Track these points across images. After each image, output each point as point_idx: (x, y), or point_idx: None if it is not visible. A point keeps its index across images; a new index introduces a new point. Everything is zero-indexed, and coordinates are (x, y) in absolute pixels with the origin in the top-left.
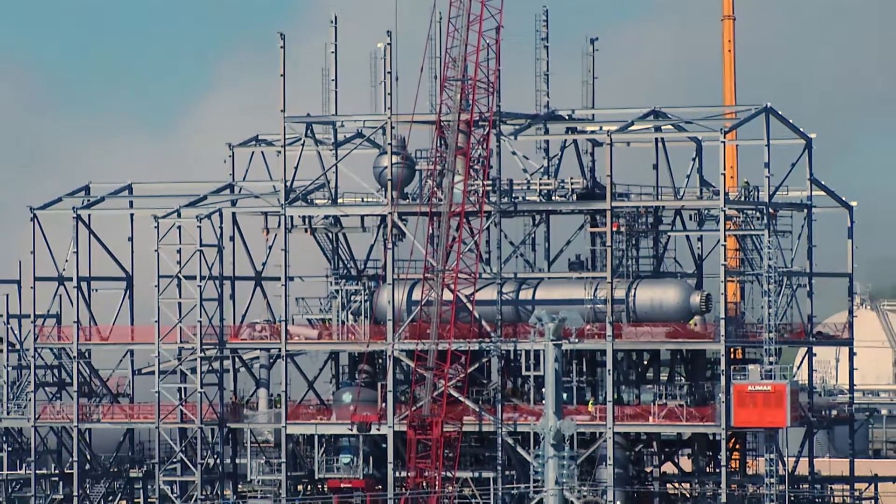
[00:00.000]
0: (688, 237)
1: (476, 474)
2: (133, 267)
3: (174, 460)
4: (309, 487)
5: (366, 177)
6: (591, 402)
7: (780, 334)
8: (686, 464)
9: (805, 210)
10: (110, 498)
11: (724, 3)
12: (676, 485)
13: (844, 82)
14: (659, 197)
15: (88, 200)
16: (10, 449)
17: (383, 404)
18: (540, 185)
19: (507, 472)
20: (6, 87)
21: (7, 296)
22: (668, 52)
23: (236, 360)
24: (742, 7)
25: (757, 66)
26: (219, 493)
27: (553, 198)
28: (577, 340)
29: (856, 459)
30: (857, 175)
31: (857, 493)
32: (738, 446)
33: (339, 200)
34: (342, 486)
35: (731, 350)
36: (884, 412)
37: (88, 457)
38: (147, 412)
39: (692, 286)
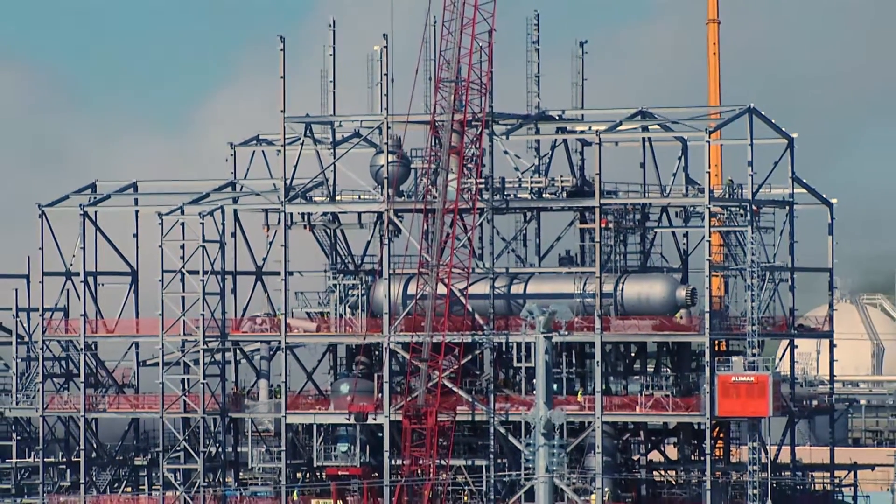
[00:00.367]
0: (674, 233)
1: (469, 462)
2: (138, 262)
3: (178, 449)
4: (308, 475)
5: (363, 175)
6: (580, 392)
7: (762, 327)
8: (672, 452)
9: (787, 207)
10: (116, 485)
11: (709, 8)
12: (662, 472)
13: (827, 83)
14: (646, 194)
15: (95, 198)
16: (19, 438)
17: (379, 395)
18: (531, 183)
19: (499, 461)
20: (16, 86)
21: (16, 290)
22: (654, 54)
23: (238, 352)
24: (727, 11)
25: (741, 68)
26: (221, 480)
27: (543, 195)
28: (566, 333)
29: (836, 448)
30: (840, 173)
31: (837, 481)
32: (722, 435)
33: (337, 198)
34: (340, 473)
35: (716, 342)
36: (863, 402)
37: (95, 445)
38: (151, 402)
39: (678, 281)
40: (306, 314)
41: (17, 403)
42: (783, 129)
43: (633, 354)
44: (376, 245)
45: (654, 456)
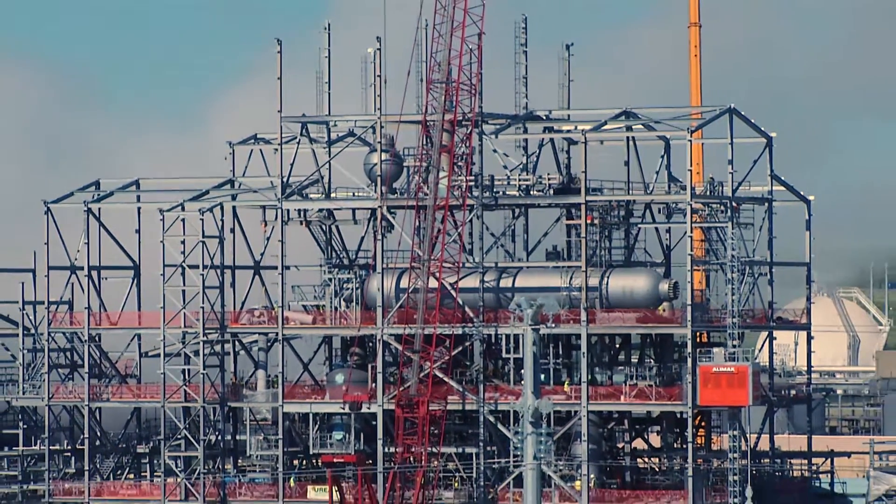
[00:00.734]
0: (657, 229)
1: (460, 450)
2: (140, 257)
3: (178, 437)
4: (304, 462)
5: (357, 173)
6: (566, 382)
7: (742, 319)
8: (655, 440)
9: (766, 204)
10: (119, 472)
11: (690, 12)
12: (646, 459)
13: (806, 84)
14: (630, 192)
15: (98, 195)
16: (25, 426)
17: (373, 385)
18: (519, 180)
19: (488, 448)
20: (35, 84)
21: (23, 284)
22: (638, 57)
23: (236, 343)
24: (709, 15)
25: (722, 69)
26: (220, 467)
27: (531, 192)
28: (553, 325)
29: (813, 436)
30: (818, 171)
31: (814, 468)
32: (703, 424)
33: (332, 195)
34: (335, 460)
35: (697, 334)
36: (839, 392)
37: (98, 434)
38: (153, 392)
39: (661, 275)
40: (302, 307)
41: (23, 393)
42: (762, 129)
43: (617, 346)
44: (370, 240)
45: (639, 444)
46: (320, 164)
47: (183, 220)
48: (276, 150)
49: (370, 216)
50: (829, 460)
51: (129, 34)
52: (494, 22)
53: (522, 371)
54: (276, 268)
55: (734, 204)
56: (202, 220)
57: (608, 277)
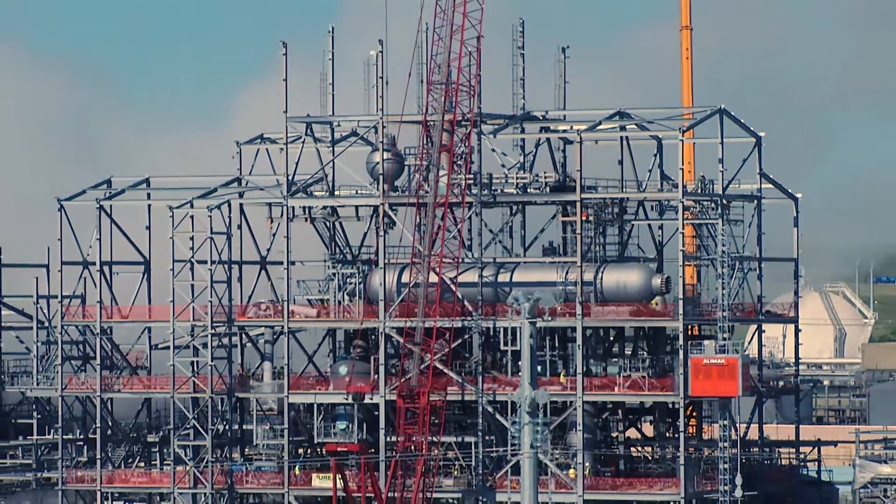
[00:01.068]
0: (650, 225)
1: (459, 439)
2: (150, 252)
3: (187, 426)
4: (309, 451)
5: (360, 171)
6: (562, 374)
7: (732, 313)
8: (648, 429)
9: (755, 201)
10: (130, 460)
11: (682, 16)
12: (639, 448)
13: (795, 86)
14: (623, 189)
15: (110, 192)
16: (39, 416)
17: (375, 376)
18: (516, 178)
19: (487, 437)
20: (60, 83)
21: (37, 278)
22: (631, 59)
23: (243, 336)
24: (701, 19)
25: (713, 71)
26: (228, 455)
27: (528, 190)
28: (549, 318)
29: (801, 426)
30: (807, 169)
31: (802, 456)
32: (694, 414)
33: (336, 192)
34: (338, 449)
35: (689, 327)
36: (826, 383)
37: (110, 423)
38: (163, 383)
39: (653, 270)
40: (307, 301)
41: (37, 384)
42: (751, 129)
43: (611, 338)
44: (372, 237)
45: (632, 433)
46: (324, 163)
47: (192, 216)
48: (282, 149)
49: (372, 213)
50: (816, 449)
51: (145, 35)
52: (492, 25)
53: (520, 363)
54: (281, 263)
55: (724, 201)
56: (210, 216)
57: (602, 272)
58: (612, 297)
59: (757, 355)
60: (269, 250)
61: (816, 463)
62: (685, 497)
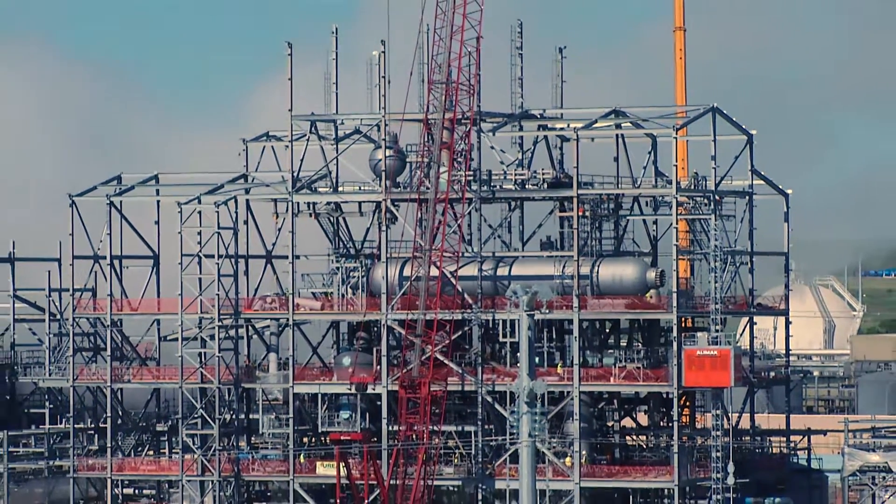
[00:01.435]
0: (644, 221)
1: (459, 428)
2: (159, 247)
3: (195, 416)
4: (313, 439)
5: (363, 168)
6: (559, 364)
7: (724, 306)
8: (643, 419)
9: (747, 197)
10: (139, 449)
11: (675, 17)
12: (634, 437)
13: (787, 85)
14: (619, 186)
15: (120, 189)
16: (51, 406)
17: (378, 367)
18: (515, 175)
19: (486, 427)
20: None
21: (49, 272)
22: (627, 59)
23: (249, 328)
24: (696, 20)
25: (706, 70)
26: (234, 444)
27: (526, 186)
28: (547, 311)
29: (791, 415)
30: (797, 167)
31: (792, 445)
32: (688, 403)
33: (340, 189)
34: (342, 438)
35: (682, 319)
36: (815, 374)
37: (120, 413)
38: (171, 374)
39: (648, 263)
40: (312, 294)
41: (49, 375)
42: (743, 127)
43: (607, 330)
44: (375, 231)
45: (627, 422)
46: (328, 160)
47: (199, 212)
48: (287, 146)
49: (375, 209)
50: (806, 438)
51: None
52: (492, 26)
53: (518, 354)
54: (286, 257)
55: (717, 197)
56: (217, 212)
57: (598, 266)
58: (608, 291)
59: (748, 347)
60: (274, 245)
61: (806, 451)
62: (679, 484)
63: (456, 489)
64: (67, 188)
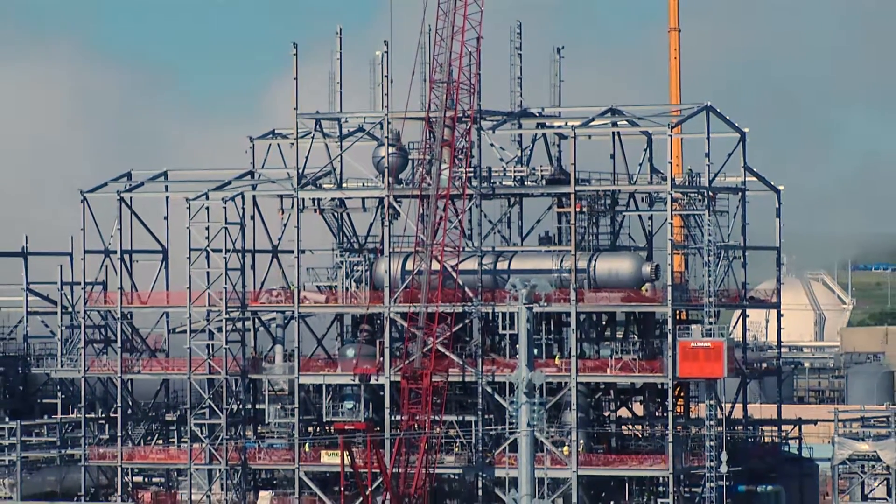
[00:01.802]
0: (640, 216)
1: (460, 418)
2: (168, 242)
3: (203, 406)
4: (318, 429)
5: (366, 165)
6: (557, 356)
7: (718, 299)
8: (638, 409)
9: (739, 193)
10: (149, 438)
11: (670, 17)
12: (630, 427)
13: (778, 85)
14: (615, 182)
15: (130, 185)
16: (63, 396)
17: (381, 358)
18: (514, 172)
19: (486, 416)
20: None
21: (61, 266)
22: (623, 58)
23: (256, 320)
24: (691, 21)
25: (701, 69)
26: (241, 433)
27: (525, 183)
28: (545, 304)
29: (782, 405)
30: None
31: (783, 434)
32: (682, 394)
33: (344, 185)
34: (346, 427)
35: (677, 312)
36: (806, 365)
37: (130, 403)
38: (180, 365)
39: (644, 258)
40: (316, 287)
41: (61, 366)
42: (736, 125)
43: (604, 323)
44: (378, 227)
45: (623, 412)
46: (333, 157)
47: (207, 208)
48: (293, 144)
49: (378, 204)
50: (797, 427)
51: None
52: (492, 27)
53: (517, 346)
54: (292, 252)
55: (711, 193)
56: (225, 208)
57: (595, 260)
58: (605, 284)
59: (741, 339)
60: (280, 240)
61: (797, 440)
62: (673, 472)
63: (457, 477)
64: (78, 184)
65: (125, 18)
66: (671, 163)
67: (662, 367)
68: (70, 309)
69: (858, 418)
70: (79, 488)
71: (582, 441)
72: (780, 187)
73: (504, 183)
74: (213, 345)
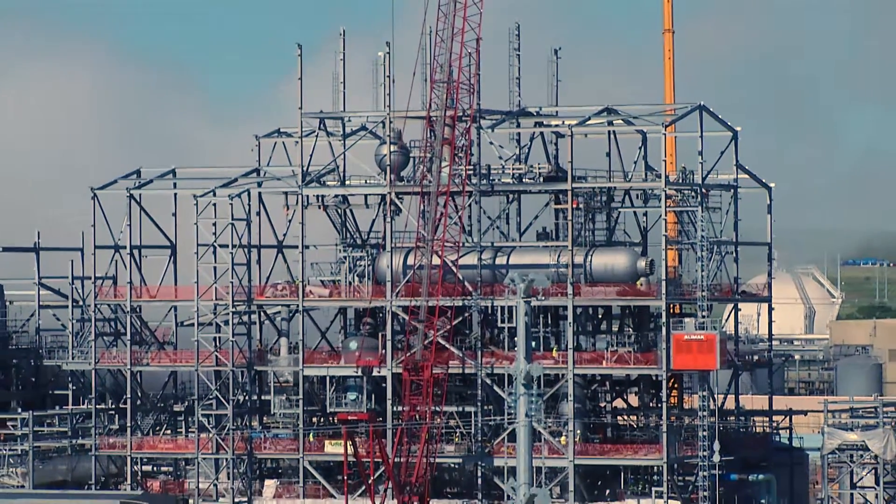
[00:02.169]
0: (635, 213)
1: (460, 408)
2: (176, 237)
3: (210, 397)
4: (322, 419)
5: (369, 163)
6: (554, 349)
7: (711, 293)
8: (633, 400)
9: (732, 190)
10: (157, 428)
11: (665, 19)
12: (625, 417)
13: (769, 85)
14: (611, 179)
15: (139, 182)
16: (74, 388)
17: (383, 351)
18: (512, 169)
19: (485, 407)
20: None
21: (72, 261)
22: (619, 59)
23: (262, 314)
24: (685, 22)
25: (694, 69)
26: (247, 424)
27: (523, 180)
28: (543, 298)
29: (773, 396)
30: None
31: (774, 425)
32: (676, 385)
33: (347, 182)
34: (349, 418)
35: (671, 306)
36: (797, 357)
37: (139, 394)
38: (188, 357)
39: (638, 253)
40: (320, 282)
41: (72, 358)
42: (728, 123)
43: (600, 316)
44: (380, 223)
45: (619, 403)
46: (336, 155)
47: (214, 204)
48: (297, 142)
49: (380, 201)
50: (787, 418)
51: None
52: (490, 28)
53: (515, 339)
54: (297, 247)
55: (703, 190)
56: (231, 204)
57: (591, 255)
58: (601, 279)
59: (733, 332)
60: (285, 235)
61: (788, 430)
62: (667, 462)
63: (457, 466)
64: (86, 181)
65: (147, 20)
66: (665, 161)
67: (657, 359)
68: (81, 303)
69: (847, 409)
70: (89, 477)
71: (578, 431)
72: (772, 184)
73: (503, 180)
74: (219, 337)
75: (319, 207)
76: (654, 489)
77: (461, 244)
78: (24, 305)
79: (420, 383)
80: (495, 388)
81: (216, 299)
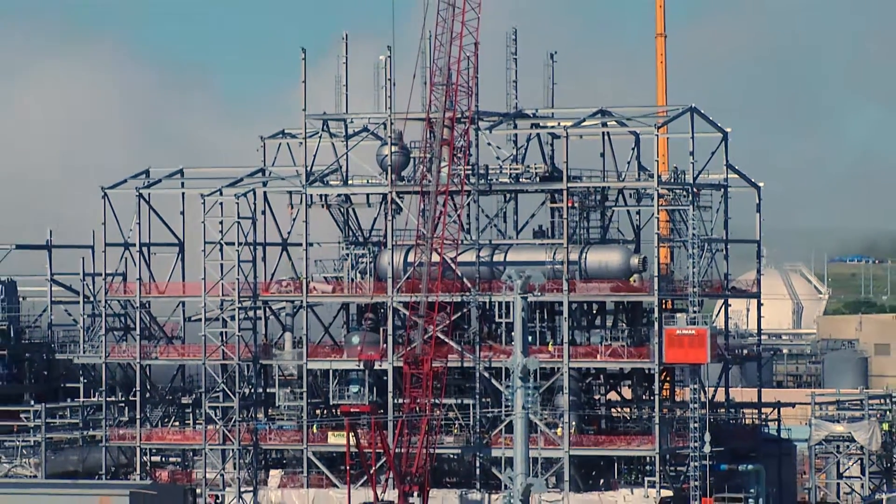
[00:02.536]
0: (628, 211)
1: (459, 401)
2: (184, 235)
3: (217, 390)
4: (325, 412)
5: (370, 163)
6: (550, 343)
7: (701, 289)
8: (627, 393)
9: (722, 190)
10: (166, 420)
11: (657, 24)
12: (619, 409)
13: (760, 86)
14: (605, 179)
15: (148, 182)
16: (85, 381)
17: (384, 345)
18: (510, 169)
19: (483, 400)
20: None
21: (83, 258)
22: (612, 63)
23: (267, 309)
24: (678, 26)
25: (686, 73)
26: (253, 416)
27: (520, 180)
28: (539, 294)
29: (762, 389)
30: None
31: (763, 416)
32: (668, 378)
33: (349, 182)
34: (351, 410)
35: (663, 301)
36: (785, 351)
37: (148, 387)
38: (195, 351)
39: (632, 250)
40: (324, 278)
41: (84, 352)
42: (719, 125)
43: (594, 312)
44: (382, 221)
45: (612, 396)
46: (339, 156)
47: (221, 203)
48: (301, 143)
49: (382, 200)
50: (776, 410)
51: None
52: (488, 33)
53: (513, 333)
54: (301, 245)
55: (695, 190)
56: (237, 203)
57: (586, 253)
58: (595, 275)
59: (723, 326)
60: (289, 233)
61: (776, 422)
62: (659, 452)
63: (456, 457)
64: (96, 181)
65: (157, 22)
66: (657, 161)
67: (649, 353)
68: (92, 298)
69: (834, 401)
70: (100, 467)
71: (574, 423)
72: (761, 184)
73: (500, 180)
74: (226, 332)
75: (323, 206)
76: (646, 479)
77: (460, 242)
78: (37, 301)
79: (420, 376)
80: (493, 381)
81: (223, 295)
